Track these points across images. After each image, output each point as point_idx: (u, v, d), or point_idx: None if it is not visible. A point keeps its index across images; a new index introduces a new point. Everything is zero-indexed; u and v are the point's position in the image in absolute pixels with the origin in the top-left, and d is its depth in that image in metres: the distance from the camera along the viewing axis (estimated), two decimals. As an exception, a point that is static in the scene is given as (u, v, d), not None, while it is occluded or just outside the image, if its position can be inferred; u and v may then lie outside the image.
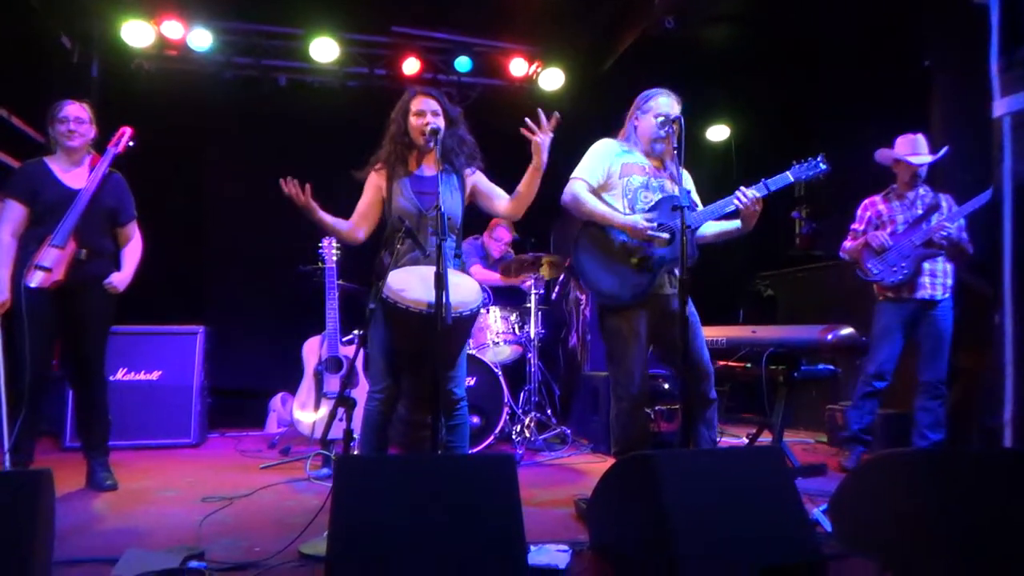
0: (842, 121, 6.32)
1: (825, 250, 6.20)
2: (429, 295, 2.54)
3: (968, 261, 4.17)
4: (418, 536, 1.98)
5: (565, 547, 2.50)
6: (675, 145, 3.10)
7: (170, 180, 6.04)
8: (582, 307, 5.69)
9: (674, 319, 3.19)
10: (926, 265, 4.11)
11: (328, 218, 3.05)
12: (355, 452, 2.92)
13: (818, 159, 3.25)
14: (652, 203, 3.22)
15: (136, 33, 5.84)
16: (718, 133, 7.25)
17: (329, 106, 6.43)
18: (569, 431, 5.06)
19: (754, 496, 2.25)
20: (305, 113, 6.37)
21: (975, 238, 4.10)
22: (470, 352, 4.53)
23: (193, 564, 2.33)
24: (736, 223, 3.29)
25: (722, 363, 4.28)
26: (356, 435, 3.00)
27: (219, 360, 5.39)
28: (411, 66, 6.46)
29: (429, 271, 2.56)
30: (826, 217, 6.34)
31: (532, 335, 4.98)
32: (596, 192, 3.25)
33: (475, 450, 4.33)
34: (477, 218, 3.31)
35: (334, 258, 4.55)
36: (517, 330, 5.05)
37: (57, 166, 3.51)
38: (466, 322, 2.78)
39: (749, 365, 4.14)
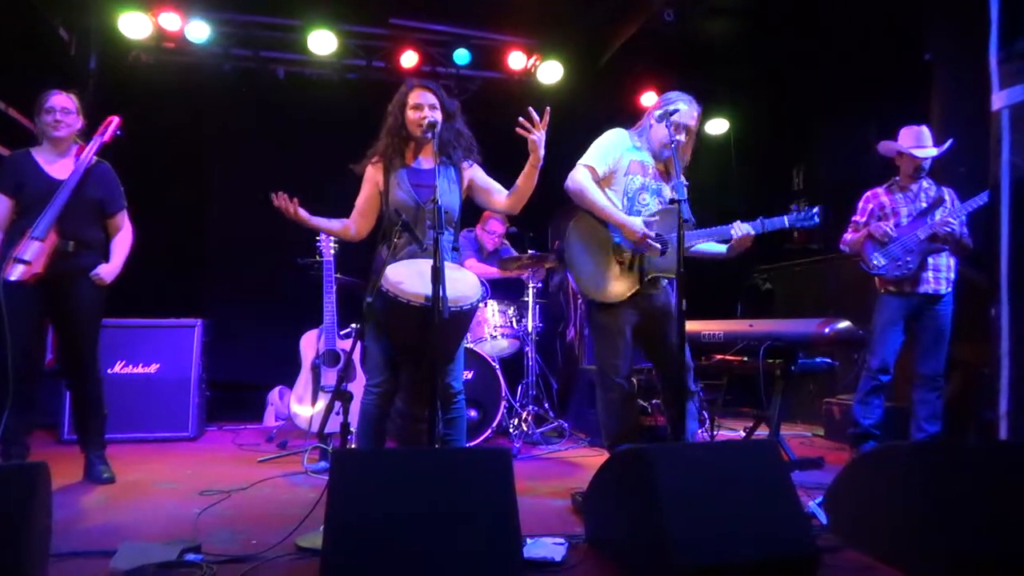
0: (841, 115, 6.33)
1: (823, 244, 6.20)
2: (427, 288, 2.53)
3: (968, 255, 4.16)
4: (414, 529, 1.99)
5: (561, 540, 2.51)
6: (678, 139, 3.11)
7: (168, 173, 6.04)
8: (579, 300, 5.68)
9: (657, 315, 3.31)
10: (929, 260, 4.10)
11: (323, 222, 3.06)
12: (352, 446, 2.92)
13: (814, 211, 3.28)
14: (650, 207, 3.27)
15: (133, 25, 5.80)
16: (717, 127, 7.24)
17: (327, 98, 6.41)
18: (567, 424, 5.07)
19: (750, 489, 2.25)
20: (303, 105, 6.36)
21: (974, 231, 4.09)
22: (468, 345, 4.54)
23: (190, 557, 2.33)
24: (723, 248, 3.38)
25: (719, 356, 4.29)
26: (353, 429, 3.00)
27: (217, 353, 5.39)
28: (409, 59, 6.43)
29: (427, 264, 2.55)
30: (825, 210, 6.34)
31: (529, 329, 4.98)
32: (599, 183, 3.27)
33: (473, 444, 4.34)
34: (469, 210, 3.30)
35: (332, 252, 4.55)
36: (515, 324, 5.05)
37: (42, 157, 3.47)
38: (465, 316, 2.78)
39: (747, 358, 4.14)
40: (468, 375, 4.49)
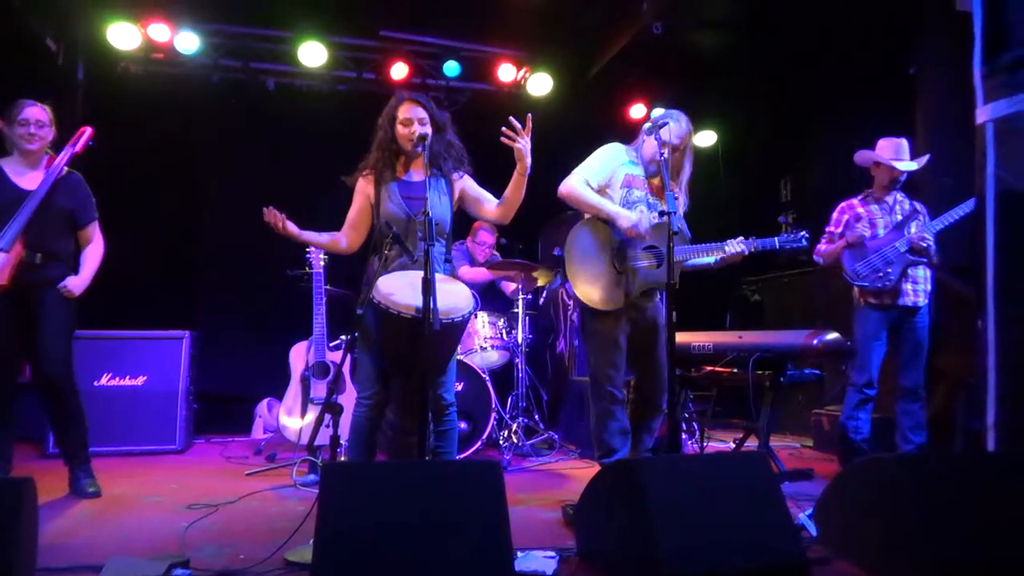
0: (828, 127, 6.38)
1: (811, 256, 6.24)
2: (418, 300, 2.53)
3: (935, 269, 4.21)
4: (405, 543, 1.98)
5: (552, 553, 2.50)
6: (663, 155, 3.14)
7: (157, 184, 6.01)
8: (570, 312, 5.69)
9: (648, 327, 3.37)
10: (908, 272, 4.13)
11: (313, 236, 3.07)
12: (342, 458, 2.91)
13: (802, 234, 3.42)
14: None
15: (122, 35, 5.79)
16: (705, 139, 7.30)
17: (317, 110, 6.41)
18: (557, 436, 5.06)
19: (740, 501, 2.26)
20: (293, 117, 6.35)
21: (957, 243, 4.13)
22: (458, 357, 4.53)
23: (178, 572, 2.31)
24: (711, 259, 3.44)
25: (709, 368, 4.30)
26: (343, 441, 2.99)
27: (205, 365, 5.36)
28: (399, 70, 6.45)
29: (419, 276, 2.55)
30: (813, 222, 6.39)
31: (520, 340, 4.98)
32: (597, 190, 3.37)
33: (462, 455, 4.32)
34: (460, 223, 3.32)
35: (322, 263, 4.54)
36: (505, 335, 5.05)
37: (11, 168, 3.40)
38: (456, 328, 2.78)
39: (736, 370, 4.15)
40: (458, 387, 4.47)
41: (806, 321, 4.29)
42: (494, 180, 3.20)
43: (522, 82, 6.76)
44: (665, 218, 2.87)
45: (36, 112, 3.40)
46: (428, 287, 2.48)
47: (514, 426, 4.85)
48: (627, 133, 3.59)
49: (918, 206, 4.23)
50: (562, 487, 3.95)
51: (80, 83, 5.94)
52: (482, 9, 5.97)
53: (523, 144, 2.83)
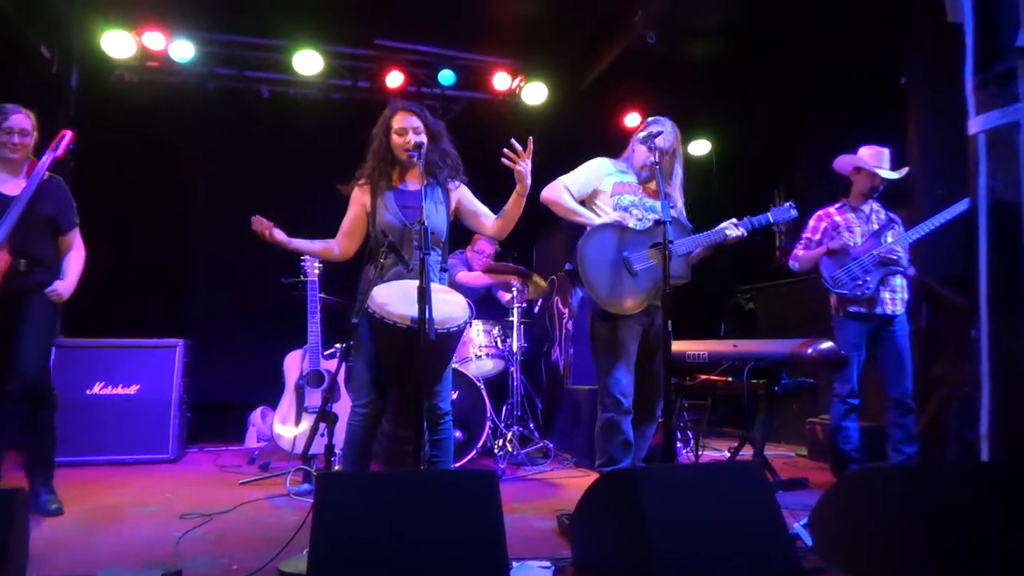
0: (820, 134, 6.41)
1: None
2: (414, 310, 2.53)
3: (911, 282, 4.23)
4: (400, 553, 1.97)
5: (548, 564, 2.49)
6: (656, 161, 3.23)
7: (151, 192, 5.99)
8: (564, 321, 5.70)
9: (656, 333, 3.41)
10: (887, 280, 4.13)
11: (303, 244, 3.07)
12: (337, 467, 2.90)
13: (789, 204, 3.54)
14: (644, 221, 3.40)
15: (117, 44, 5.78)
16: (699, 147, 7.33)
17: (312, 118, 6.41)
18: (552, 445, 5.05)
19: (735, 510, 2.26)
20: (288, 125, 6.35)
21: (951, 251, 4.15)
22: (453, 366, 4.52)
23: (170, 582, 2.30)
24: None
25: (704, 377, 4.31)
26: (337, 450, 2.98)
27: (199, 373, 5.34)
28: (395, 79, 6.46)
29: (414, 285, 2.55)
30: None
31: (515, 349, 4.98)
32: (582, 202, 3.46)
33: (457, 464, 4.31)
34: (461, 233, 3.33)
35: (316, 271, 4.54)
36: (500, 344, 5.05)
37: None
38: (452, 338, 2.78)
39: (731, 379, 4.16)
40: (453, 396, 4.44)
41: (800, 330, 4.30)
42: (490, 189, 3.21)
43: (517, 91, 6.78)
44: (657, 224, 2.90)
45: (20, 120, 3.36)
46: (424, 296, 2.48)
47: (509, 435, 4.84)
48: (622, 141, 3.65)
49: (893, 216, 4.26)
50: (557, 496, 3.94)
51: (74, 91, 5.93)
52: (477, 18, 5.99)
53: (524, 166, 2.88)
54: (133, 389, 4.83)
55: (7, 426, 3.44)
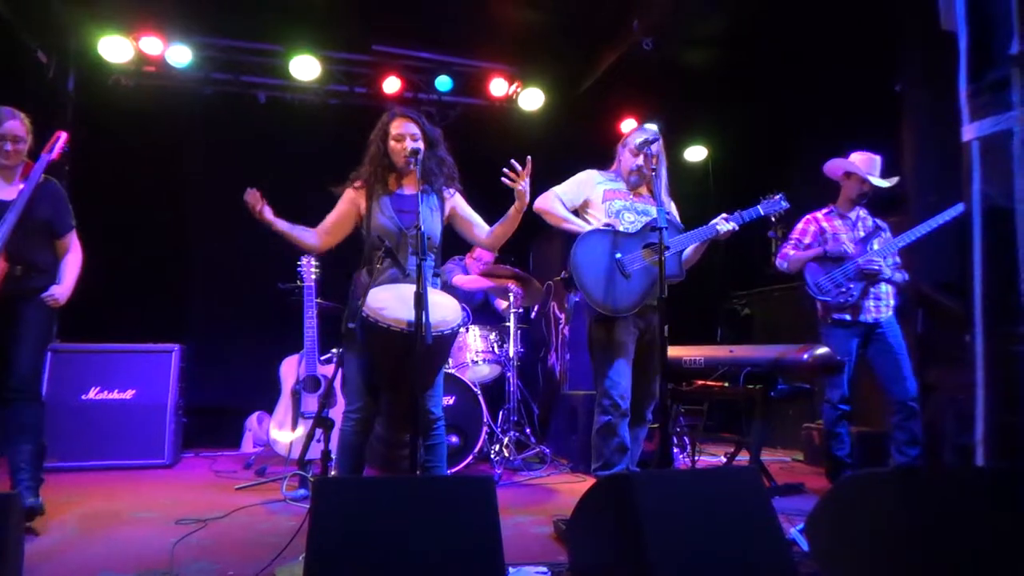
0: (816, 140, 6.43)
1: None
2: (409, 314, 2.53)
3: (901, 289, 4.23)
4: (396, 559, 1.96)
5: (544, 569, 2.49)
6: (652, 167, 3.32)
7: (147, 197, 5.99)
8: (561, 326, 5.70)
9: (651, 338, 3.45)
10: (871, 288, 4.13)
11: (285, 225, 3.05)
12: (333, 473, 2.90)
13: (779, 197, 3.56)
14: (636, 224, 3.45)
15: (114, 48, 5.79)
16: (696, 154, 7.34)
17: (309, 123, 6.42)
18: (548, 450, 5.05)
19: (732, 515, 2.25)
20: (285, 130, 6.35)
21: (946, 257, 4.16)
22: (449, 371, 4.53)
23: (166, 588, 2.29)
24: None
25: (700, 382, 4.31)
26: (334, 455, 2.98)
27: (195, 378, 5.33)
28: (392, 85, 6.48)
29: (409, 290, 2.56)
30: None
31: (511, 354, 4.98)
32: (575, 213, 3.53)
33: (454, 470, 4.31)
34: (459, 239, 3.35)
35: (313, 276, 4.54)
36: (496, 349, 5.05)
37: None
38: (446, 341, 2.78)
39: (727, 384, 4.16)
40: (449, 401, 4.47)
41: (796, 335, 4.31)
42: (486, 194, 3.22)
43: (514, 96, 6.80)
44: (652, 229, 2.93)
45: (14, 127, 3.33)
46: (420, 301, 2.48)
47: (505, 440, 4.83)
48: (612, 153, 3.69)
49: (880, 223, 4.27)
50: (553, 501, 3.94)
51: (71, 95, 5.94)
52: (474, 24, 6.01)
53: (523, 186, 2.94)
54: (129, 394, 4.82)
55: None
